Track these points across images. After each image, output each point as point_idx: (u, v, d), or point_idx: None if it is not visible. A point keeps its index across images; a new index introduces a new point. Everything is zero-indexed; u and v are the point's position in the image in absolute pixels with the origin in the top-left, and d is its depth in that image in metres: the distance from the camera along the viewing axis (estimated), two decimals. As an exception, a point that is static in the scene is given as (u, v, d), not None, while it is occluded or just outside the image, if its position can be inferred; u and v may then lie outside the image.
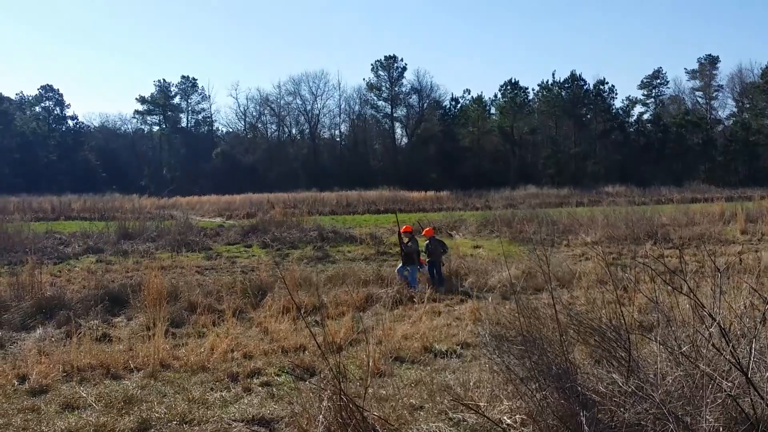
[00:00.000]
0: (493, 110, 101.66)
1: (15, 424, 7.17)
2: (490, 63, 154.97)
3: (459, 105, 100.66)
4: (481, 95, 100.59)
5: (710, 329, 5.92)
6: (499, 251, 23.01)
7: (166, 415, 7.33)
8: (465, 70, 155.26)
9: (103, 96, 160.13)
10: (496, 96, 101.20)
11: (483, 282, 16.23)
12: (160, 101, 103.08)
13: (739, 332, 6.28)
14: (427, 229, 18.97)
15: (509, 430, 5.94)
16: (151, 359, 9.52)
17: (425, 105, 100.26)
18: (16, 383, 8.71)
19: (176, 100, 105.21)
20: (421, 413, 6.80)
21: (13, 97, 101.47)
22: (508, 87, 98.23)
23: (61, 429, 6.99)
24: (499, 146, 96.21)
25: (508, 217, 33.07)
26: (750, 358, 5.66)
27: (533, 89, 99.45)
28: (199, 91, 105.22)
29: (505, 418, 6.19)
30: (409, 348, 10.10)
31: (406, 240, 17.27)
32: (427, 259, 17.61)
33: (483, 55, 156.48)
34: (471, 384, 7.45)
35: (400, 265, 17.21)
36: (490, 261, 19.67)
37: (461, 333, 11.12)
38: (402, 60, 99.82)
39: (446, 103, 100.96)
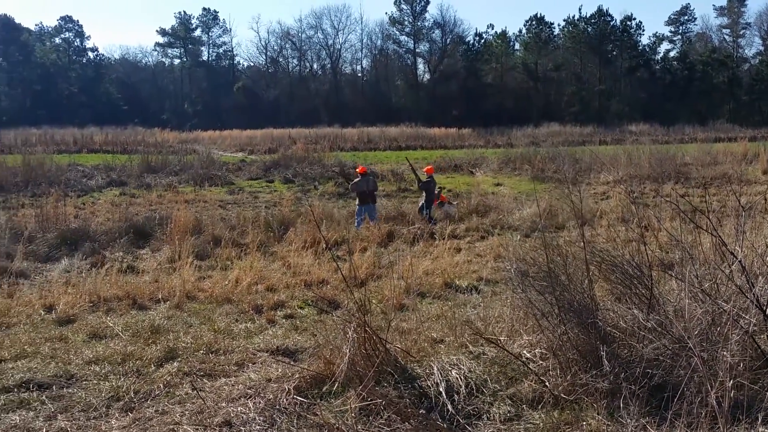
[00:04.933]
0: (517, 46, 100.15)
1: (43, 352, 7.32)
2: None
3: (482, 41, 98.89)
4: (505, 31, 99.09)
5: (731, 267, 5.94)
6: (521, 189, 23.02)
7: (192, 345, 7.48)
8: (489, 4, 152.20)
9: (124, 28, 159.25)
10: (520, 31, 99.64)
11: (504, 219, 16.27)
12: (181, 34, 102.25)
13: (758, 271, 6.29)
14: (428, 167, 19.13)
15: (528, 363, 6.05)
16: (176, 290, 9.69)
17: (448, 40, 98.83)
18: (43, 313, 8.90)
19: (197, 32, 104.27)
20: (442, 346, 6.91)
21: (32, 28, 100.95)
22: (533, 22, 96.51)
23: (89, 357, 7.13)
24: (523, 83, 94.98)
25: (531, 154, 32.93)
26: (770, 297, 5.69)
27: (559, 24, 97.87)
28: (220, 23, 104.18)
29: (524, 352, 6.28)
30: (431, 283, 10.22)
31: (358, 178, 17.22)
32: (425, 197, 17.84)
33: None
34: (491, 319, 7.54)
35: (359, 208, 16.90)
36: (511, 199, 19.70)
37: (482, 269, 11.21)
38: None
39: (469, 38, 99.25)
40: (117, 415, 5.78)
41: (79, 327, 8.33)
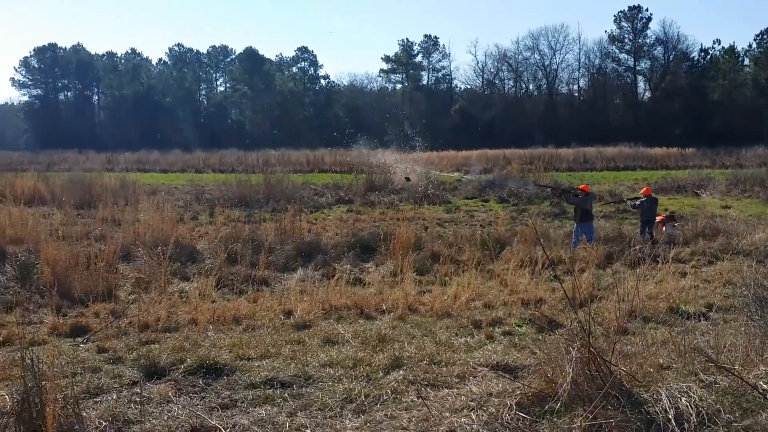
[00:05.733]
0: (746, 61, 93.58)
1: (284, 353, 7.99)
2: (744, 11, 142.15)
3: (708, 56, 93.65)
4: (733, 45, 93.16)
5: None
6: (751, 212, 21.62)
7: (416, 355, 7.79)
8: (715, 19, 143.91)
9: (352, 56, 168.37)
10: (750, 46, 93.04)
11: (734, 244, 15.32)
12: (403, 60, 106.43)
13: None
14: (646, 188, 18.80)
15: (766, 394, 5.72)
16: (399, 303, 10.14)
17: (671, 57, 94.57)
18: (283, 317, 9.73)
19: (418, 58, 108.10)
20: (669, 373, 6.67)
21: (273, 58, 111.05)
22: (765, 36, 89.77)
23: (323, 360, 7.67)
24: (753, 100, 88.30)
25: (762, 176, 30.80)
26: None
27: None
28: (440, 49, 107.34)
29: (761, 383, 5.95)
30: (654, 308, 9.89)
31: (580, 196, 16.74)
32: (642, 219, 17.39)
33: (736, 1, 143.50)
34: (723, 347, 7.18)
35: (576, 228, 16.52)
36: (741, 222, 18.55)
37: (711, 295, 10.70)
38: (647, 10, 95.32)
39: (694, 54, 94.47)
40: (350, 416, 6.17)
41: (314, 332, 8.96)
